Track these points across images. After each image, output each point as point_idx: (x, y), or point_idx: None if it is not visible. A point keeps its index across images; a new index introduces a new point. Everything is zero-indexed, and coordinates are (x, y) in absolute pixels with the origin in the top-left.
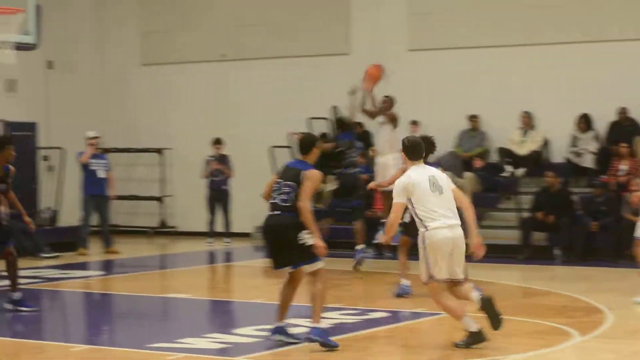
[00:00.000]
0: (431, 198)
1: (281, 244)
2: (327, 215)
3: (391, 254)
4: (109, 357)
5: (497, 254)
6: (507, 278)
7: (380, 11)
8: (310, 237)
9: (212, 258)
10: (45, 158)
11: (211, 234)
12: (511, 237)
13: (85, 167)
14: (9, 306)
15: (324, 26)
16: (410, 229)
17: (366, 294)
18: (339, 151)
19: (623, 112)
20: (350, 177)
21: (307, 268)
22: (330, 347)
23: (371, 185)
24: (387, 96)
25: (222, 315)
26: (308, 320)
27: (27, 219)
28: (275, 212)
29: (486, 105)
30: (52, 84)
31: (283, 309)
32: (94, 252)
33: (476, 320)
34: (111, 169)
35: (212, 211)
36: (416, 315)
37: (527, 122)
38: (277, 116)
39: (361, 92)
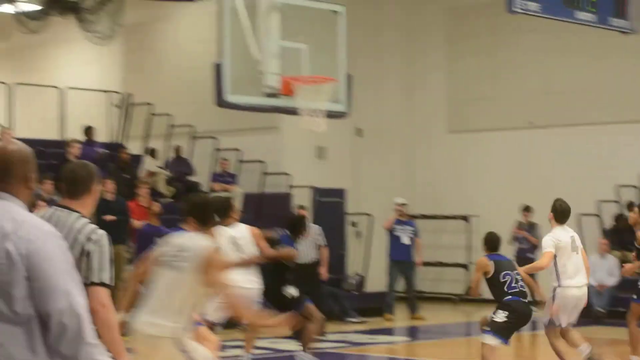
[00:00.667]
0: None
1: None
2: None
3: None
4: None
5: None
6: None
7: None
8: None
9: None
10: (354, 224)
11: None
12: None
13: (390, 233)
14: None
15: (630, 92)
16: None
17: None
18: None
19: None
20: None
21: None
22: None
23: None
24: None
25: None
26: None
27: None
28: None
29: None
30: (360, 151)
31: None
32: (400, 317)
33: None
34: (419, 236)
35: None
36: None
37: None
38: (584, 184)
39: None
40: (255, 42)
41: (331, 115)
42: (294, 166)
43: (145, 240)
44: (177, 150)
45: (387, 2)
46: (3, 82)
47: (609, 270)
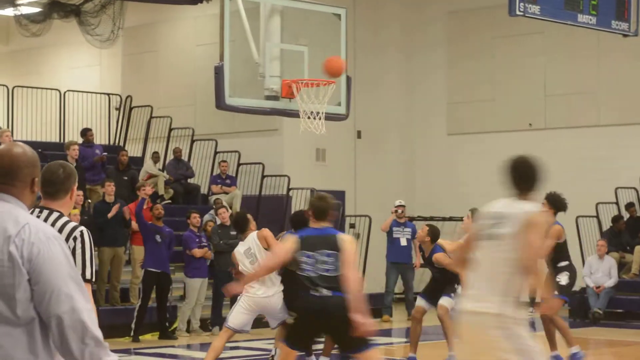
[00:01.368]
0: None
1: None
2: None
3: None
4: None
5: None
6: None
7: None
8: None
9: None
10: (352, 226)
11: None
12: None
13: (388, 234)
14: None
15: (630, 94)
16: None
17: None
18: None
19: None
20: None
21: None
22: None
23: None
24: None
25: None
26: None
27: None
28: None
29: None
30: (360, 153)
31: None
32: (398, 319)
33: None
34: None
35: None
36: None
37: None
38: (583, 186)
39: None
40: (255, 44)
41: (331, 117)
42: (294, 168)
43: (148, 234)
44: (177, 152)
45: (387, 5)
46: (4, 85)
47: (607, 272)
